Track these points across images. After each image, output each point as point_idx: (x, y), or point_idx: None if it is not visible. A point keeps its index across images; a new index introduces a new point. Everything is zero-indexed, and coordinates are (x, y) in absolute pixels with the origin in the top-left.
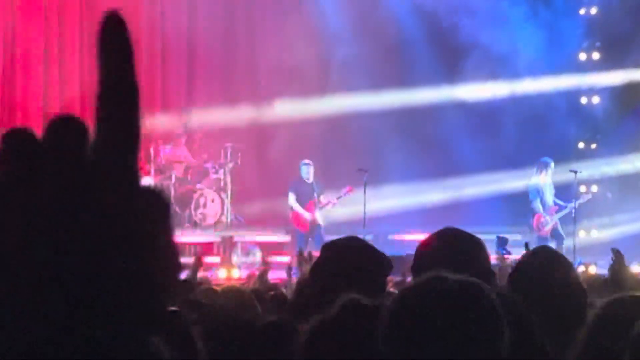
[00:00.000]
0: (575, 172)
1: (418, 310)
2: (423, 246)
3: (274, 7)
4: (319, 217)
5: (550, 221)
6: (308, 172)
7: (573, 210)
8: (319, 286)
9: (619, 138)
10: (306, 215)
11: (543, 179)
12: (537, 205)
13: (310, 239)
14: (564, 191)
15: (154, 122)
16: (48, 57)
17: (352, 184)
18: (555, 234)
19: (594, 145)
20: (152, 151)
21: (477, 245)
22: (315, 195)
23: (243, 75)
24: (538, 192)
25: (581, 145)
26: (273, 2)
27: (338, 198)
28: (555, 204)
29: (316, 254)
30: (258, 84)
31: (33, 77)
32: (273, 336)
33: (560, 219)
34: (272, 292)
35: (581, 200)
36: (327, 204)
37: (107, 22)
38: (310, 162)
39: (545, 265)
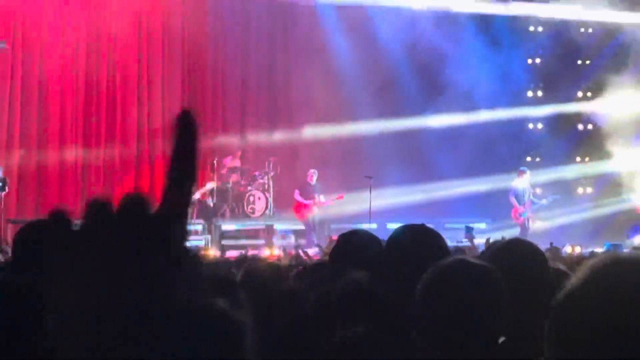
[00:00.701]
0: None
1: (449, 287)
2: (393, 237)
3: (303, 53)
4: (316, 210)
5: (525, 213)
6: (311, 176)
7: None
8: (335, 264)
9: (555, 153)
10: (308, 206)
11: (521, 183)
12: (514, 201)
13: (311, 225)
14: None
15: (217, 141)
16: (140, 88)
17: (361, 187)
18: (525, 225)
19: (538, 159)
20: (215, 162)
21: (438, 235)
22: (316, 194)
23: (282, 105)
24: (515, 191)
25: (528, 158)
26: (303, 50)
27: (333, 200)
28: (531, 200)
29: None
30: (292, 112)
31: (129, 103)
32: (290, 299)
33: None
34: (301, 267)
35: (549, 199)
36: (323, 203)
37: (183, 115)
38: (315, 170)
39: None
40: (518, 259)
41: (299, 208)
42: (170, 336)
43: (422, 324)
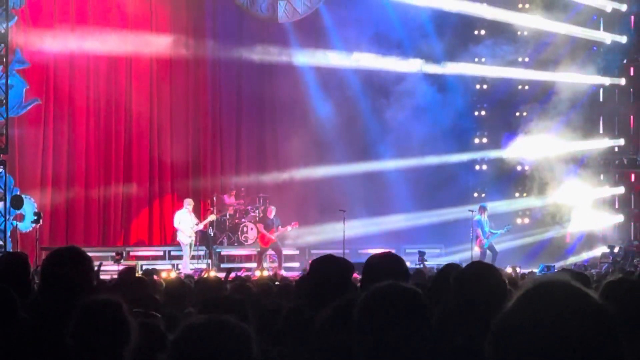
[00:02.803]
0: (472, 211)
1: (381, 307)
2: (370, 261)
3: (287, 108)
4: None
5: (487, 242)
6: (270, 211)
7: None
8: (312, 284)
9: (497, 190)
10: (268, 236)
11: (483, 216)
12: (479, 232)
13: (267, 252)
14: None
15: (216, 181)
16: (152, 136)
17: (336, 219)
18: (491, 249)
19: (483, 194)
20: (215, 199)
21: (400, 261)
22: (275, 226)
23: (269, 151)
24: (479, 224)
25: (475, 194)
26: (286, 105)
27: (287, 228)
28: (490, 231)
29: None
30: (278, 157)
31: (143, 149)
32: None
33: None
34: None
35: (505, 229)
36: (284, 229)
37: None
38: (273, 206)
39: (481, 272)
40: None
41: (262, 237)
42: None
43: (359, 341)
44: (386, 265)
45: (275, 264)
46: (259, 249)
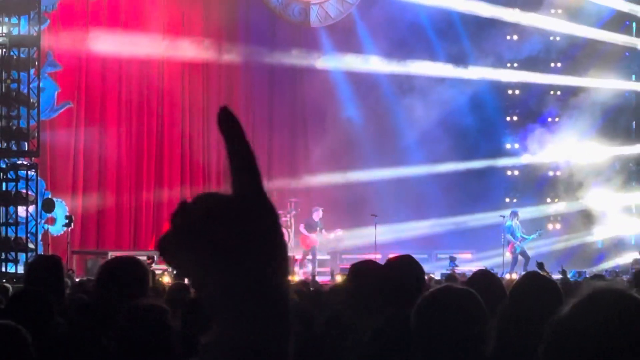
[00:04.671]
0: (503, 216)
1: (438, 310)
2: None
3: (318, 112)
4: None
5: (519, 248)
6: (317, 214)
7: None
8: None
9: (529, 195)
10: (312, 238)
11: (514, 222)
12: (510, 238)
13: (310, 256)
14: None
15: None
16: (184, 140)
17: (367, 224)
18: (523, 255)
19: (515, 200)
20: None
21: (414, 264)
22: (318, 229)
23: (301, 155)
24: (510, 229)
25: (507, 199)
26: (318, 109)
27: (332, 234)
28: (522, 237)
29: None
30: (310, 161)
31: (174, 152)
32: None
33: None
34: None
35: (537, 234)
36: (325, 236)
37: (222, 113)
38: (320, 207)
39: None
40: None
41: (304, 239)
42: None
43: (416, 345)
44: (400, 268)
45: (305, 269)
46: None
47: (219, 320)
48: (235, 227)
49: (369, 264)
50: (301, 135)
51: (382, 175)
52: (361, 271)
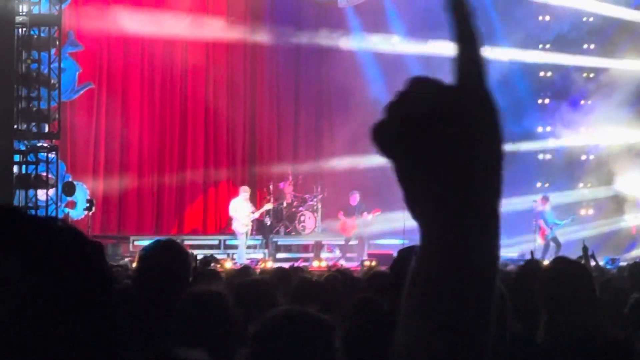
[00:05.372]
0: (535, 201)
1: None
2: (401, 255)
3: (345, 94)
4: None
5: (551, 234)
6: (355, 198)
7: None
8: (393, 276)
9: (561, 180)
10: (350, 223)
11: (546, 207)
12: (542, 223)
13: (349, 242)
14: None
15: (271, 169)
16: (207, 120)
17: (395, 208)
18: (555, 241)
19: (547, 184)
20: (271, 187)
21: None
22: (356, 213)
23: (327, 138)
24: (542, 214)
25: (538, 184)
26: (344, 91)
27: (371, 216)
28: (554, 222)
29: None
30: (336, 144)
31: (198, 134)
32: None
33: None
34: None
35: (569, 219)
36: (364, 217)
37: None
38: (357, 191)
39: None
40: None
41: (343, 225)
42: (274, 337)
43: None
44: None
45: (334, 254)
46: (344, 239)
47: (423, 226)
48: (462, 124)
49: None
50: (327, 116)
51: None
52: (406, 257)
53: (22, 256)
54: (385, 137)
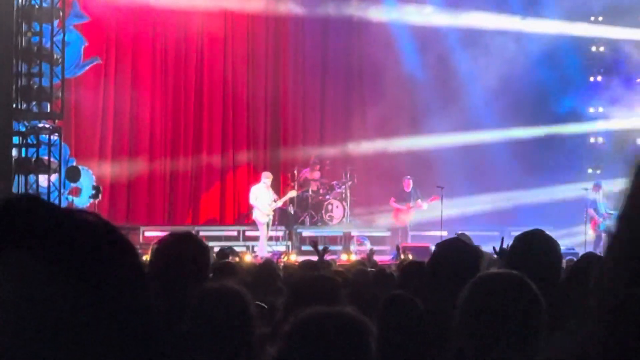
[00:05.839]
0: (586, 189)
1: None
2: (438, 250)
3: (377, 71)
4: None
5: (604, 225)
6: (408, 184)
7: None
8: (431, 271)
9: (615, 166)
10: (403, 211)
11: (598, 195)
12: (593, 213)
13: (403, 231)
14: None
15: (296, 153)
16: (225, 101)
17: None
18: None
19: (598, 171)
20: (295, 173)
21: (470, 251)
22: (411, 200)
23: (357, 119)
24: (594, 203)
25: (589, 170)
26: (377, 67)
27: (427, 203)
28: (607, 212)
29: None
30: (367, 126)
31: (215, 115)
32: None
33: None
34: (375, 269)
35: None
36: (421, 206)
37: None
38: (410, 177)
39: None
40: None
41: (397, 213)
42: (308, 337)
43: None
44: (455, 256)
45: (364, 247)
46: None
47: None
48: None
49: (456, 243)
50: (357, 94)
51: (449, 142)
52: (445, 252)
53: (49, 255)
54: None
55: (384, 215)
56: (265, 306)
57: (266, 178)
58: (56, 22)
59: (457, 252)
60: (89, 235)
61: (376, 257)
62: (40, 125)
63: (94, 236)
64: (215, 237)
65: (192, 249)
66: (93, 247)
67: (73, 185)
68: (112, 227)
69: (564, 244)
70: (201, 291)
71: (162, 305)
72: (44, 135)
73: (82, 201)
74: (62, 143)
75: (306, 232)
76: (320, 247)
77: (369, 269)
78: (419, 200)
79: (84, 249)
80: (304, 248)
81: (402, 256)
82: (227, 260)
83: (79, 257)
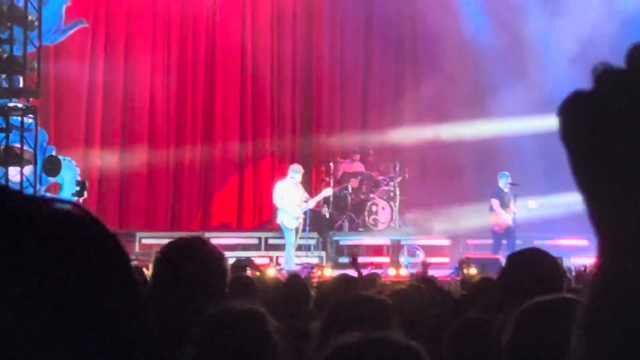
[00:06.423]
0: None
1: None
2: (509, 263)
3: (435, 40)
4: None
5: None
6: (506, 182)
7: None
8: (503, 288)
9: None
10: (505, 217)
11: None
12: None
13: (504, 240)
14: None
15: (334, 140)
16: (244, 77)
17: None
18: None
19: None
20: (331, 166)
21: (548, 264)
22: (511, 201)
23: (409, 99)
24: None
25: None
26: (434, 37)
27: (526, 209)
28: None
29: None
30: (421, 107)
31: (231, 96)
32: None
33: None
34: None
35: None
36: (516, 212)
37: None
38: (508, 173)
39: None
40: None
41: (497, 219)
42: None
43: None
44: (532, 270)
45: (417, 259)
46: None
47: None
48: None
49: (533, 254)
50: (409, 68)
51: (525, 127)
52: (520, 264)
53: (16, 260)
54: (583, 116)
55: (442, 218)
56: (293, 332)
57: (295, 172)
58: None
59: (535, 265)
60: (70, 235)
61: (433, 272)
62: (11, 104)
63: (76, 236)
64: (229, 245)
65: (204, 259)
66: (74, 250)
67: (52, 180)
68: (101, 225)
69: None
70: (213, 312)
71: (165, 329)
72: (15, 118)
73: None
74: (39, 127)
75: (344, 240)
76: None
77: (425, 287)
78: (514, 205)
79: (62, 251)
80: (341, 260)
81: (465, 270)
82: (243, 274)
83: (55, 262)
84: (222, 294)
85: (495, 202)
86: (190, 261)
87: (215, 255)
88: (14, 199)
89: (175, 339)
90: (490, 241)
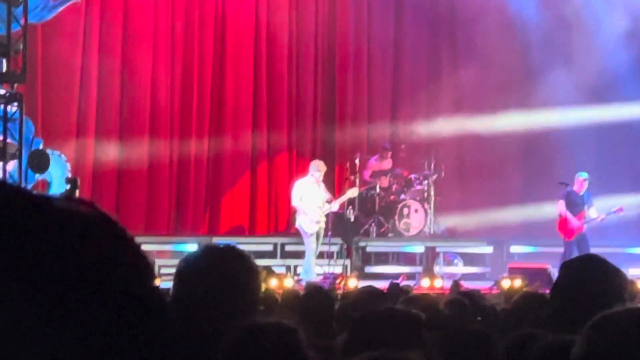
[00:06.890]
0: None
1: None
2: (565, 269)
3: (476, 25)
4: (585, 228)
5: None
6: (581, 184)
7: None
8: (558, 301)
9: None
10: (575, 222)
11: None
12: None
13: (575, 248)
14: None
15: (361, 134)
16: (258, 61)
17: (550, 198)
18: None
19: None
20: (357, 162)
21: (608, 271)
22: (585, 207)
23: (445, 90)
24: None
25: None
26: (473, 17)
27: (607, 214)
28: None
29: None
30: (459, 96)
31: (243, 82)
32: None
33: None
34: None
35: None
36: (596, 218)
37: None
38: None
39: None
40: None
41: (566, 226)
42: None
43: None
44: (590, 282)
45: (451, 267)
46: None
47: None
48: None
49: (590, 263)
50: (447, 50)
51: (579, 119)
52: (577, 274)
53: (18, 264)
54: None
55: (483, 222)
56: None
57: (316, 170)
58: None
59: (592, 276)
60: (81, 236)
61: (472, 283)
62: None
63: (88, 237)
64: None
65: (236, 270)
66: (87, 254)
67: (39, 177)
68: (117, 225)
69: None
70: (242, 327)
71: (189, 347)
72: None
73: None
74: (24, 117)
75: (372, 246)
76: None
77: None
78: (594, 209)
79: (71, 256)
80: (368, 270)
81: (510, 281)
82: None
83: (64, 268)
84: (255, 309)
85: (560, 204)
86: (219, 272)
87: (248, 266)
88: (24, 196)
89: (197, 357)
90: (540, 249)
